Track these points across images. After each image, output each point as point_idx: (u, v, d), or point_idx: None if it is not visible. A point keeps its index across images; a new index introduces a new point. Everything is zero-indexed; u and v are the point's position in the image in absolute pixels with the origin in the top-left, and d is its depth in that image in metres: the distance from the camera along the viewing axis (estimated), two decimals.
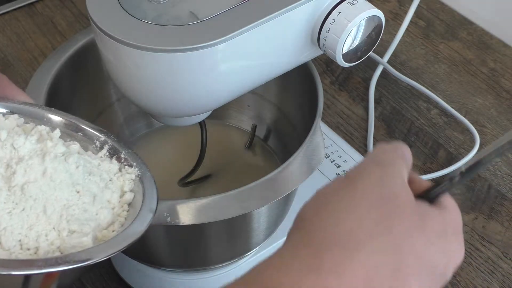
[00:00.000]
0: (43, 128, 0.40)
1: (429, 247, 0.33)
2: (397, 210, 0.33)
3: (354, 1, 0.46)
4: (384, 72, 0.77)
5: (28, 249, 0.34)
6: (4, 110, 0.40)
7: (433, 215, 0.34)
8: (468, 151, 0.68)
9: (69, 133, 0.42)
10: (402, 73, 0.75)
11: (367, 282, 0.31)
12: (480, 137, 0.69)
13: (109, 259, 0.37)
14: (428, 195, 0.35)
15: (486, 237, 0.61)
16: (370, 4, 0.47)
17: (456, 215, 0.36)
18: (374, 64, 0.77)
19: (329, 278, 0.30)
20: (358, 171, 0.35)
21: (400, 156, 0.36)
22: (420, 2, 0.74)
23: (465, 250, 0.60)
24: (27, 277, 0.33)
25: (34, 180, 0.36)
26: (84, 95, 0.60)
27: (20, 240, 0.34)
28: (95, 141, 0.42)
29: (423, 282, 0.33)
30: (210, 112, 0.53)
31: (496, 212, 0.63)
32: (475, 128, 0.69)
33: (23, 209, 0.35)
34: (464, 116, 0.71)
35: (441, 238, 0.34)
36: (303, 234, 0.33)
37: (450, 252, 0.35)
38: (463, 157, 0.67)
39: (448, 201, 0.36)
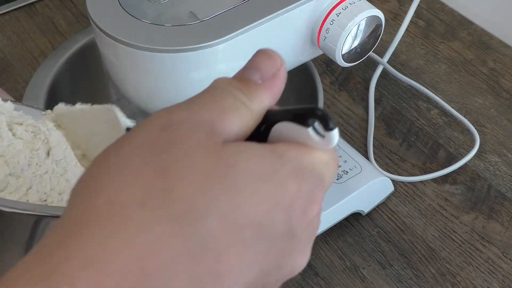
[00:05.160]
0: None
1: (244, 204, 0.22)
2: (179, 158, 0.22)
3: (354, 1, 0.46)
4: (384, 72, 0.77)
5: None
6: None
7: (255, 154, 0.23)
8: (468, 151, 0.68)
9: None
10: (402, 73, 0.75)
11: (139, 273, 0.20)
12: (480, 137, 0.69)
13: None
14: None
15: (486, 237, 0.61)
16: (370, 4, 0.47)
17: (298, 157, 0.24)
18: (374, 64, 0.77)
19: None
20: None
21: None
22: (420, 2, 0.74)
23: (465, 250, 0.61)
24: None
25: (57, 145, 0.38)
26: (84, 95, 0.60)
27: (46, 200, 0.36)
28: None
29: (244, 256, 0.22)
30: None
31: (496, 212, 0.63)
32: (475, 128, 0.69)
33: (46, 172, 0.37)
34: (464, 116, 0.71)
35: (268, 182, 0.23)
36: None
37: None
38: (463, 157, 0.67)
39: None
